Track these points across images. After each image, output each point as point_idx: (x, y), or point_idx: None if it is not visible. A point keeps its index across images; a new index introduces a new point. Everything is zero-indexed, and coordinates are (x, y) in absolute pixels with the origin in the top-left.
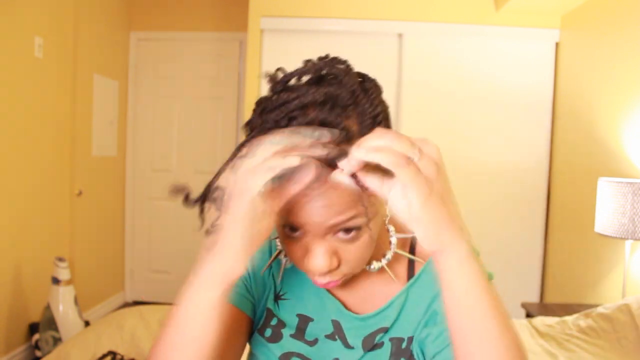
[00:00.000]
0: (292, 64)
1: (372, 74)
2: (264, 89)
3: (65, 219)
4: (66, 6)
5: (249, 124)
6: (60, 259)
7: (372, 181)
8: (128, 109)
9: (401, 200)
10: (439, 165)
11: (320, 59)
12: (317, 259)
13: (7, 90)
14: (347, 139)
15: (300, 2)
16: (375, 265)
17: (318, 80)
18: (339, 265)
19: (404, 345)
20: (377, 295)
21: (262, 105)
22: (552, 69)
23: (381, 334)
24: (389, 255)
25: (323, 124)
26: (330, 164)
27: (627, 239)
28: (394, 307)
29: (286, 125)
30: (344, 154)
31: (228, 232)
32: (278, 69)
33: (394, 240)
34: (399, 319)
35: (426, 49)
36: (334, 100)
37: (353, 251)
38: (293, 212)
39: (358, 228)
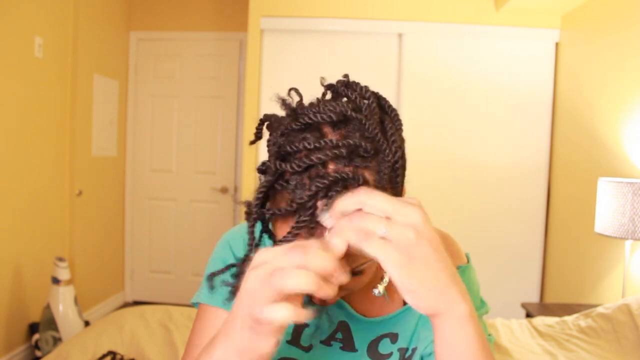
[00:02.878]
0: (292, 64)
1: (372, 74)
2: (264, 89)
3: (65, 219)
4: (66, 6)
5: (257, 136)
6: (60, 259)
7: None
8: (128, 109)
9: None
10: (418, 230)
11: (340, 83)
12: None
13: (7, 90)
14: None
15: (300, 2)
16: (380, 288)
17: (338, 121)
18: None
19: (407, 354)
20: (386, 301)
21: (278, 138)
22: (552, 69)
23: (389, 341)
24: (387, 277)
25: (342, 177)
26: None
27: (627, 239)
28: (409, 316)
29: (305, 177)
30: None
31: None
32: (291, 89)
33: None
34: (412, 328)
35: (426, 49)
36: (355, 152)
37: (355, 281)
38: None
39: (364, 271)
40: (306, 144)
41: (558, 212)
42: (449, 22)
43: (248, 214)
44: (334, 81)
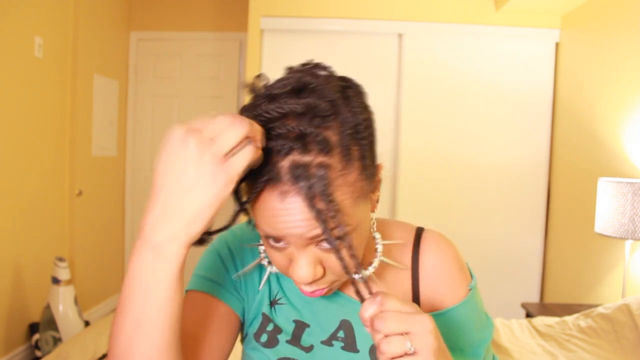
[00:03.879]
0: (292, 64)
1: (372, 74)
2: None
3: (65, 219)
4: (66, 6)
5: None
6: (60, 259)
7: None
8: (128, 109)
9: None
10: (431, 334)
11: (303, 65)
12: (301, 270)
13: (7, 90)
14: (326, 150)
15: (300, 2)
16: (364, 273)
17: (299, 90)
18: (324, 274)
19: None
20: None
21: (244, 115)
22: (552, 69)
23: None
24: (376, 262)
25: (302, 134)
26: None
27: (627, 239)
28: None
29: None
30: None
31: (189, 193)
32: (258, 76)
33: (379, 247)
34: None
35: (426, 49)
36: (313, 111)
37: (338, 260)
38: (272, 224)
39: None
40: (265, 107)
41: (558, 212)
42: (449, 22)
43: None
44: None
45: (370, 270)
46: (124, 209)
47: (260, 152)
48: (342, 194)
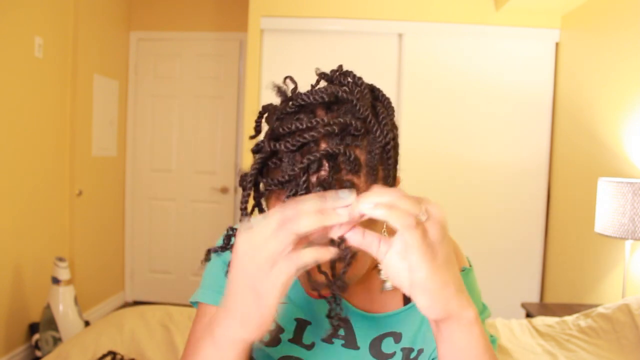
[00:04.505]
0: (292, 64)
1: (372, 74)
2: (264, 90)
3: (65, 219)
4: (66, 6)
5: (256, 130)
6: (60, 259)
7: (369, 238)
8: (128, 109)
9: (400, 263)
10: (445, 229)
11: (333, 72)
12: (313, 276)
13: (7, 90)
14: (355, 169)
15: (300, 2)
16: (389, 283)
17: (331, 102)
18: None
19: (412, 355)
20: (387, 297)
21: (273, 123)
22: (552, 69)
23: (392, 341)
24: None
25: (333, 155)
26: None
27: (627, 239)
28: (412, 316)
29: (298, 155)
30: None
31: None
32: (287, 78)
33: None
34: (416, 328)
35: (426, 49)
36: (346, 130)
37: (348, 270)
38: None
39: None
40: (298, 124)
41: (558, 212)
42: (449, 22)
43: (242, 185)
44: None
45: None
46: (124, 209)
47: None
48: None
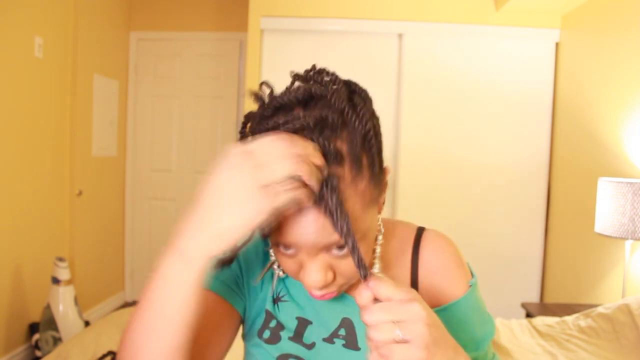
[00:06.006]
0: (292, 64)
1: (372, 74)
2: (264, 90)
3: (65, 219)
4: (66, 6)
5: (241, 139)
6: (60, 259)
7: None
8: (128, 109)
9: None
10: (426, 324)
11: (307, 71)
12: (312, 275)
13: (7, 90)
14: (337, 160)
15: (300, 2)
16: (375, 270)
17: (307, 100)
18: (334, 279)
19: None
20: None
21: (253, 126)
22: (552, 68)
23: None
24: (377, 265)
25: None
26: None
27: (627, 239)
28: None
29: None
30: (334, 177)
31: (219, 209)
32: (262, 83)
33: (378, 249)
34: None
35: (426, 49)
36: (323, 123)
37: (348, 265)
38: (285, 233)
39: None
40: (275, 120)
41: (558, 212)
42: (449, 22)
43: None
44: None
45: (377, 272)
46: (124, 209)
47: (310, 193)
48: (354, 204)
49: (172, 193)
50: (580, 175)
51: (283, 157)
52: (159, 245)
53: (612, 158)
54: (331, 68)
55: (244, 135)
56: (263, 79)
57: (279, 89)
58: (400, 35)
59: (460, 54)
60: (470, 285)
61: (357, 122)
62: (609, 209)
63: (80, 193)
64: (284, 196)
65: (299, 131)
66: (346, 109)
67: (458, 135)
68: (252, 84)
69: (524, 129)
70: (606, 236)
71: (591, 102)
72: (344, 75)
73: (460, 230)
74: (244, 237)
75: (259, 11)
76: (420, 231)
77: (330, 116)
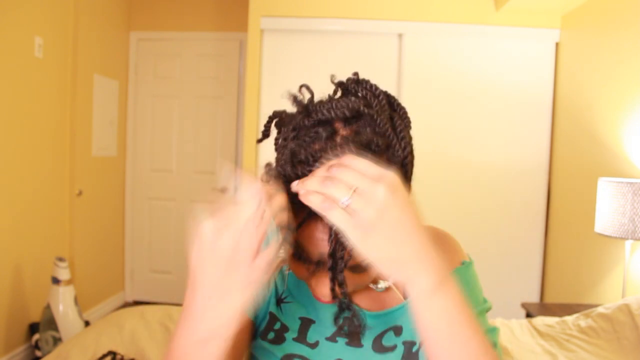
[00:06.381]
0: (292, 64)
1: (372, 74)
2: (265, 90)
3: (65, 219)
4: (66, 6)
5: (264, 134)
6: (60, 259)
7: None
8: (128, 109)
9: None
10: (379, 210)
11: (350, 81)
12: (325, 288)
13: (7, 90)
14: None
15: (300, 2)
16: (382, 284)
17: (350, 117)
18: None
19: (414, 349)
20: (388, 295)
21: (286, 130)
22: (552, 69)
23: (393, 334)
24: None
25: None
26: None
27: (627, 239)
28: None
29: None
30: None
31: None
32: (302, 86)
33: None
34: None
35: (426, 49)
36: (368, 147)
37: (359, 277)
38: (309, 249)
39: (367, 268)
40: (317, 132)
41: (558, 212)
42: (449, 22)
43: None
44: (343, 79)
45: (390, 282)
46: (124, 209)
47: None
48: None
49: (172, 193)
50: (580, 175)
51: (252, 225)
52: (159, 245)
53: (612, 158)
54: (331, 68)
55: (267, 134)
56: (263, 79)
57: (279, 89)
58: (400, 35)
59: (460, 54)
60: (462, 263)
61: (397, 147)
62: (609, 209)
63: (80, 193)
64: (267, 257)
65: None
66: (389, 131)
67: (458, 135)
68: (252, 84)
69: (524, 129)
70: (606, 236)
71: (591, 102)
72: (344, 75)
73: (460, 230)
74: (251, 306)
75: (259, 11)
76: None
77: (374, 140)
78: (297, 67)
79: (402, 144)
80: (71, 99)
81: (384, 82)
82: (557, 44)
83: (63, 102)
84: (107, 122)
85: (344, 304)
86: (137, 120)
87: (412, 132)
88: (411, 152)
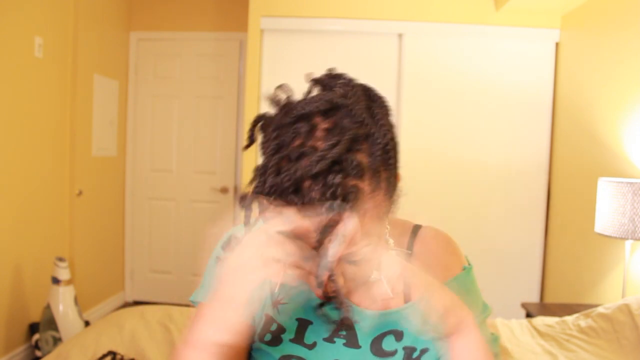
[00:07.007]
0: (292, 64)
1: (372, 74)
2: (265, 89)
3: (65, 219)
4: (66, 6)
5: (250, 139)
6: (60, 259)
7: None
8: (128, 109)
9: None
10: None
11: (325, 76)
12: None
13: (7, 90)
14: (358, 174)
15: (300, 2)
16: (374, 275)
17: (327, 110)
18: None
19: (415, 355)
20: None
21: (268, 131)
22: (552, 69)
23: (393, 339)
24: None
25: (336, 161)
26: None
27: (627, 239)
28: (413, 314)
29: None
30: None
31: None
32: (279, 87)
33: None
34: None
35: (426, 49)
36: (347, 137)
37: (357, 271)
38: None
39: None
40: (297, 129)
41: (558, 212)
42: (449, 22)
43: (242, 199)
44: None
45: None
46: (124, 209)
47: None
48: (370, 217)
49: (172, 193)
50: (580, 175)
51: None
52: (159, 245)
53: (612, 158)
54: (331, 68)
55: (252, 139)
56: (263, 79)
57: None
58: (400, 35)
59: (460, 54)
60: (464, 269)
61: (377, 134)
62: (609, 209)
63: (80, 193)
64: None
65: (319, 146)
66: (367, 120)
67: (458, 135)
68: (252, 84)
69: (524, 129)
70: (606, 236)
71: (591, 102)
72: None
73: (460, 230)
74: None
75: (259, 11)
76: (416, 228)
77: (353, 130)
78: (297, 67)
79: (382, 131)
80: (71, 99)
81: (384, 82)
82: (557, 44)
83: (63, 102)
84: (107, 122)
85: (333, 296)
86: (137, 120)
87: (412, 132)
88: (393, 139)
